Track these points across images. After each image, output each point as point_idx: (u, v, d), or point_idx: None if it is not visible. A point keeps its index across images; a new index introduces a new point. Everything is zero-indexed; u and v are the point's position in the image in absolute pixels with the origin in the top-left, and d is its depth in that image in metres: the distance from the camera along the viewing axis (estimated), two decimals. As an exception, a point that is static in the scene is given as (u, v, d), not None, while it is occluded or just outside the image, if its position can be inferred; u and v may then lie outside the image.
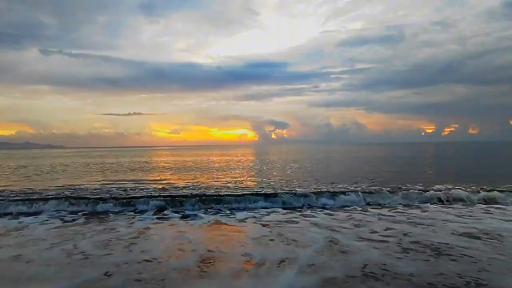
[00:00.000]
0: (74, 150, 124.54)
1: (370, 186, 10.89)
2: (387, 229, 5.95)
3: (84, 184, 12.41)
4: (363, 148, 74.33)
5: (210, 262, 4.30)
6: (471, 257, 4.31)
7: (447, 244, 4.89)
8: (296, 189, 10.28)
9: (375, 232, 5.73)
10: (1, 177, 15.73)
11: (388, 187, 10.14)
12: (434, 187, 10.11)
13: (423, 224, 6.28)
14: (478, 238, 5.21)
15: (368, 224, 6.36)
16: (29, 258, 4.51)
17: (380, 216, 7.04)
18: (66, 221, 6.86)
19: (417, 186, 10.66)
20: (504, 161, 26.13)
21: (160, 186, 11.64)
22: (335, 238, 5.32)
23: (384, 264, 4.07)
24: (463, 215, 7.04)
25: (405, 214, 7.21)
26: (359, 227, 6.15)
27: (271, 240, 5.34)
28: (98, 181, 13.66)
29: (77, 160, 31.91)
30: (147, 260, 4.35)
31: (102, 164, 25.65)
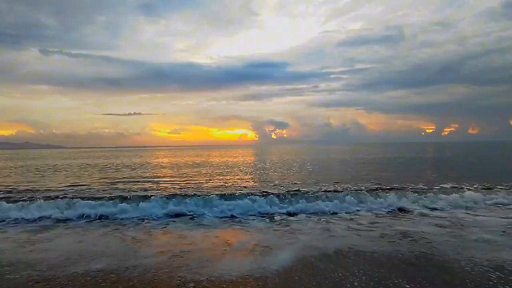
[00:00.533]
0: (75, 150, 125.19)
1: (372, 186, 11.52)
2: (373, 222, 7.03)
3: (106, 183, 13.42)
4: (364, 148, 75.15)
5: (229, 245, 5.46)
6: (428, 239, 5.49)
7: (416, 230, 6.07)
8: (300, 189, 10.99)
9: (362, 224, 6.85)
10: (12, 177, 16.69)
11: (388, 187, 10.80)
12: (436, 187, 10.76)
13: (405, 218, 7.37)
14: (445, 227, 6.38)
15: (358, 218, 7.43)
16: (91, 242, 5.66)
17: (370, 211, 8.09)
18: (99, 216, 7.85)
19: (419, 185, 11.30)
20: (505, 161, 27.01)
21: (168, 186, 12.59)
22: (328, 229, 6.46)
23: (356, 245, 5.24)
24: (445, 210, 8.08)
25: (394, 210, 8.16)
26: (350, 220, 7.24)
27: (276, 230, 6.48)
28: (109, 180, 14.63)
29: (82, 161, 32.84)
30: (186, 244, 5.57)
31: (107, 164, 26.56)
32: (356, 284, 3.83)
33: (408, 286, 3.75)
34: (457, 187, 10.89)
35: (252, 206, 8.42)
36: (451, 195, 9.39)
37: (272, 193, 9.80)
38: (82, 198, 9.08)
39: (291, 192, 10.03)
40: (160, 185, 13.00)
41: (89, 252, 5.10)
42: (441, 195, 9.47)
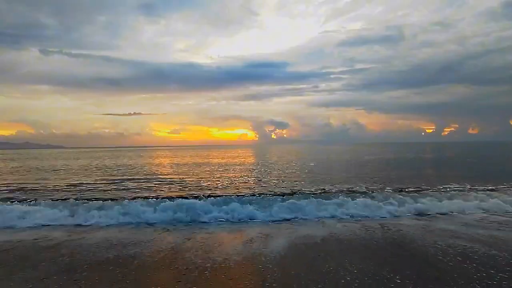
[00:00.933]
0: (75, 150, 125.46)
1: (373, 186, 11.89)
2: (364, 216, 7.80)
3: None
4: (364, 148, 75.55)
5: (236, 235, 6.40)
6: (401, 229, 6.44)
7: (396, 222, 6.99)
8: (303, 189, 11.31)
9: (353, 217, 7.73)
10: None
11: (390, 188, 11.06)
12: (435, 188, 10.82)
13: (390, 212, 8.14)
14: (420, 219, 7.30)
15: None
16: (130, 232, 6.66)
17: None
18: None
19: (423, 186, 11.50)
20: (505, 161, 27.47)
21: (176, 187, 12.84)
22: (324, 221, 7.39)
23: (341, 234, 6.17)
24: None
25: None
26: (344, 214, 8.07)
27: (279, 223, 7.36)
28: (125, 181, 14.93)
29: (88, 162, 33.04)
30: (206, 233, 6.52)
31: (114, 165, 26.70)
32: (336, 266, 4.69)
33: (368, 264, 4.61)
34: (460, 187, 10.91)
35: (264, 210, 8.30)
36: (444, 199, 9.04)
37: (278, 194, 9.98)
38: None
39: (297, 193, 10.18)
40: (172, 186, 13.36)
41: (126, 240, 6.01)
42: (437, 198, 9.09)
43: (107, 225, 7.16)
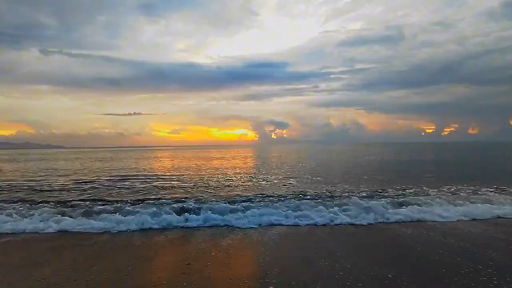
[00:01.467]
0: (75, 150, 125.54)
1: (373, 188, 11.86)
2: (362, 217, 7.96)
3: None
4: (364, 148, 75.81)
5: (237, 233, 6.57)
6: (397, 229, 6.72)
7: (393, 223, 7.32)
8: (303, 191, 11.42)
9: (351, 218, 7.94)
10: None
11: (390, 189, 11.25)
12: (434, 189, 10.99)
13: (389, 213, 8.20)
14: (417, 221, 7.46)
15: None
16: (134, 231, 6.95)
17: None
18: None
19: (423, 187, 11.53)
20: (505, 161, 27.65)
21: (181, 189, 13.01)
22: (322, 222, 7.46)
23: (339, 234, 6.52)
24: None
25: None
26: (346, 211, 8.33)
27: (279, 226, 7.36)
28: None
29: (89, 162, 33.22)
30: (209, 233, 6.71)
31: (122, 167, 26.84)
32: (334, 263, 4.95)
33: (364, 262, 4.82)
34: (460, 188, 11.03)
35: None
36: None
37: (278, 196, 10.11)
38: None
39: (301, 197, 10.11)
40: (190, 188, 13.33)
41: (134, 238, 6.33)
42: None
43: (117, 226, 7.17)
